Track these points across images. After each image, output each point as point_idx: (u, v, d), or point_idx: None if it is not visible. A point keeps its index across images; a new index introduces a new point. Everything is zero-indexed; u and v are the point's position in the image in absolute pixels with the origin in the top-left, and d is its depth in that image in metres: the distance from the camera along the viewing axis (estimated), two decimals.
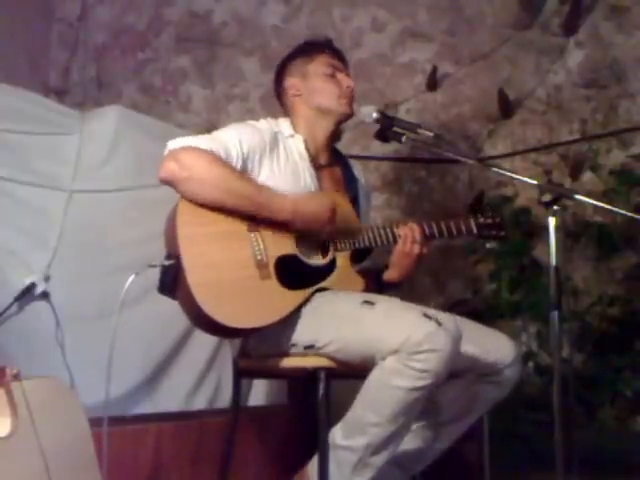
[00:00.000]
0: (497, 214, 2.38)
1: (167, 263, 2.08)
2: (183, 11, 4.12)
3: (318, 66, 2.41)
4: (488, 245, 2.41)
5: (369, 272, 2.38)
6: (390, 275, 2.33)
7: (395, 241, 2.28)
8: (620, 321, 3.19)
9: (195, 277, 2.06)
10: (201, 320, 2.10)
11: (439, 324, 1.97)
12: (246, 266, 2.13)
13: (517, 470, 2.86)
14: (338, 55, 2.47)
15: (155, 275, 2.13)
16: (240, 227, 2.16)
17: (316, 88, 2.39)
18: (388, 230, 2.29)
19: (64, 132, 2.73)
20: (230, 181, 2.13)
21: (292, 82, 2.43)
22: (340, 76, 2.42)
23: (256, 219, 2.17)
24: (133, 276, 2.07)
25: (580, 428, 3.01)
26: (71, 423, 1.79)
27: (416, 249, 2.27)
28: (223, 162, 2.16)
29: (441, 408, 2.23)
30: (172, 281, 2.08)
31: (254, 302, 2.11)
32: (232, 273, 2.11)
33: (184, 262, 2.06)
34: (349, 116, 2.43)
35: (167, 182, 2.15)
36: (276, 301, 2.13)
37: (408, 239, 2.27)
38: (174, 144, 2.17)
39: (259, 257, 2.14)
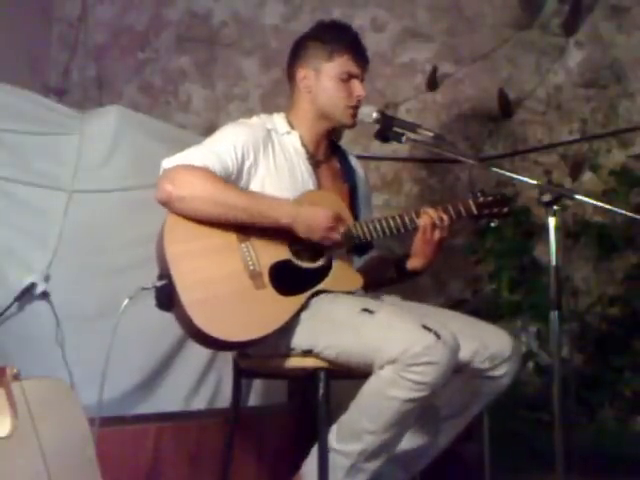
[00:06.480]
0: (499, 191, 2.36)
1: (159, 284, 2.07)
2: (183, 11, 4.11)
3: (335, 67, 2.33)
4: (492, 224, 2.38)
5: (388, 261, 2.38)
6: (413, 264, 2.31)
7: (394, 231, 2.25)
8: (620, 321, 3.19)
9: (189, 296, 2.05)
10: (200, 337, 2.09)
11: (438, 337, 1.97)
12: (239, 278, 2.11)
13: (517, 470, 2.86)
14: (360, 58, 2.37)
15: (154, 274, 2.12)
16: (230, 238, 2.14)
17: (326, 90, 2.34)
18: (383, 221, 2.26)
19: (64, 132, 2.72)
20: (227, 195, 2.12)
21: (305, 74, 2.36)
22: (354, 83, 2.35)
23: (248, 228, 2.14)
24: (127, 300, 2.07)
25: (580, 428, 3.01)
26: (71, 423, 1.79)
27: (437, 235, 2.25)
28: (218, 178, 2.14)
29: (441, 403, 2.23)
30: (168, 300, 2.07)
31: (251, 314, 2.09)
32: (226, 287, 2.09)
33: (176, 282, 2.05)
34: (350, 127, 2.41)
35: (163, 203, 2.14)
36: (274, 309, 2.11)
37: (428, 227, 2.24)
38: (168, 163, 2.16)
39: (252, 267, 2.12)
